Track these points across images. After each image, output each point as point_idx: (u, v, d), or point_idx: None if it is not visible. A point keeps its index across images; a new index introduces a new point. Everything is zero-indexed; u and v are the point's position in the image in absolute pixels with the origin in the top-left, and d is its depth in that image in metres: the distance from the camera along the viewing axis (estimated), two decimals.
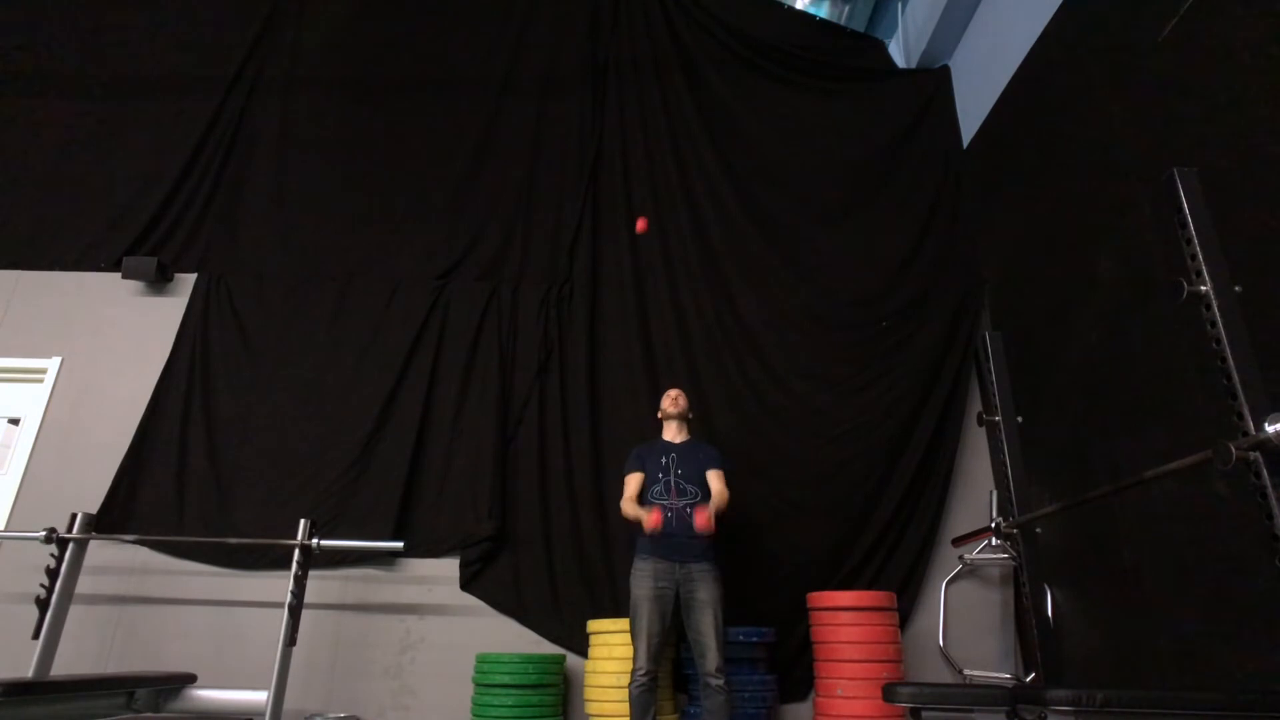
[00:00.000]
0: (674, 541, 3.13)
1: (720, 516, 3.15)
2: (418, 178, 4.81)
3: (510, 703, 3.28)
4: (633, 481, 3.32)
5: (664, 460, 3.33)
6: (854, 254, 4.60)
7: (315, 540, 3.39)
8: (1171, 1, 2.87)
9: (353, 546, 3.70)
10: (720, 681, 2.95)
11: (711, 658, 2.98)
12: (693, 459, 3.33)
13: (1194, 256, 2.04)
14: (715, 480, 3.29)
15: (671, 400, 3.51)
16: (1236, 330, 1.93)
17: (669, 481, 3.27)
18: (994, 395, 3.29)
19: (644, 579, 3.11)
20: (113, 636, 3.78)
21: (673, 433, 3.46)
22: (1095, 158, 3.38)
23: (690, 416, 3.53)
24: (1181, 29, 2.83)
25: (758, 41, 5.15)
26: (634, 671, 2.98)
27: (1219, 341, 1.95)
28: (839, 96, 5.09)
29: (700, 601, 3.06)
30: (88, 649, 3.72)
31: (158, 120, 4.94)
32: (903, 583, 3.85)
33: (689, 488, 3.25)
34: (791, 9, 5.52)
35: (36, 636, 3.29)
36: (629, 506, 3.24)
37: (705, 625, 3.03)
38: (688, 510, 3.16)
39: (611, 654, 3.33)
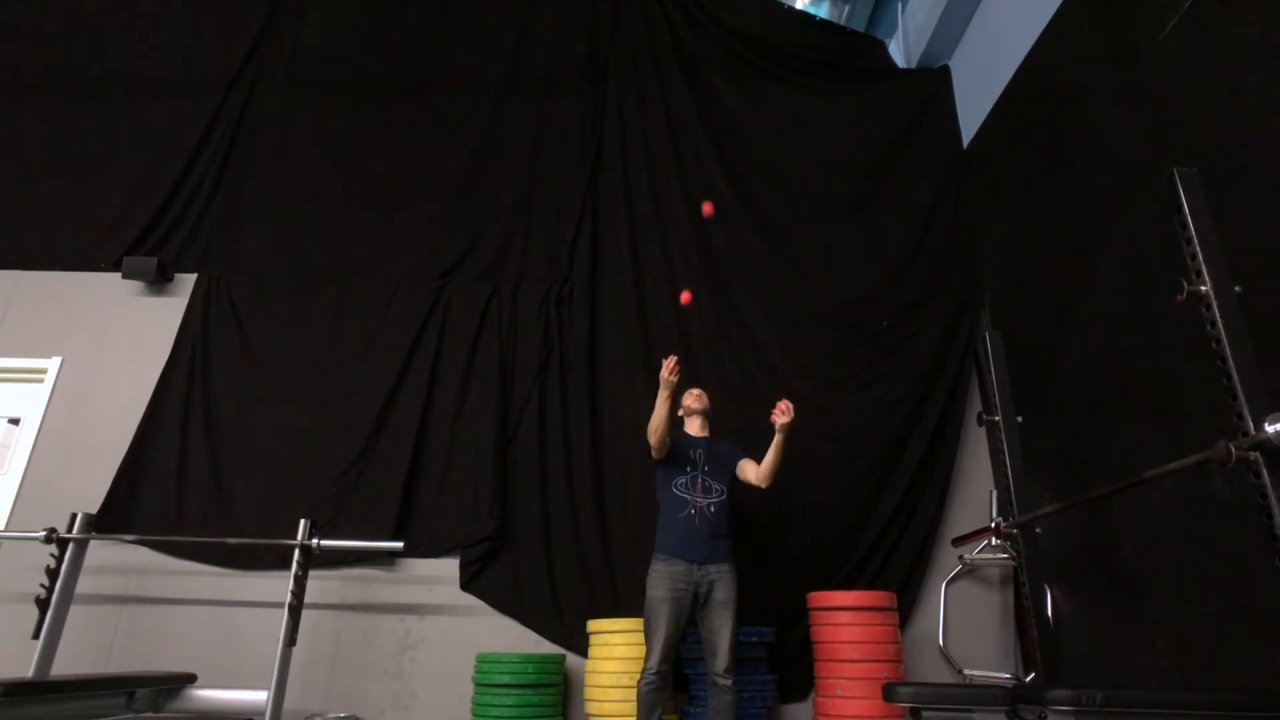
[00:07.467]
0: (695, 540, 3.10)
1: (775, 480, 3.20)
2: (418, 178, 4.80)
3: (510, 702, 3.28)
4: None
5: (692, 454, 3.30)
6: (854, 254, 4.60)
7: (315, 540, 3.39)
8: (1172, 1, 2.86)
9: (353, 546, 3.70)
10: (729, 682, 2.94)
11: (722, 658, 2.97)
12: (719, 458, 3.31)
13: (1194, 256, 2.04)
14: (752, 464, 3.26)
15: (695, 397, 3.49)
16: (1236, 330, 1.93)
17: (696, 476, 3.24)
18: (994, 395, 3.29)
19: (662, 581, 3.07)
20: (113, 636, 3.79)
21: (696, 428, 3.44)
22: (1095, 158, 3.38)
23: (711, 415, 3.50)
24: (1182, 29, 2.83)
25: (758, 41, 5.15)
26: (645, 670, 2.97)
27: (1219, 341, 1.94)
28: (839, 96, 5.09)
29: (718, 601, 3.04)
30: (88, 649, 3.72)
31: (157, 120, 4.93)
32: (903, 583, 3.85)
33: (715, 485, 3.23)
34: (791, 9, 5.51)
35: (36, 636, 3.29)
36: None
37: (721, 626, 3.01)
38: (710, 509, 3.16)
39: (611, 654, 3.33)
